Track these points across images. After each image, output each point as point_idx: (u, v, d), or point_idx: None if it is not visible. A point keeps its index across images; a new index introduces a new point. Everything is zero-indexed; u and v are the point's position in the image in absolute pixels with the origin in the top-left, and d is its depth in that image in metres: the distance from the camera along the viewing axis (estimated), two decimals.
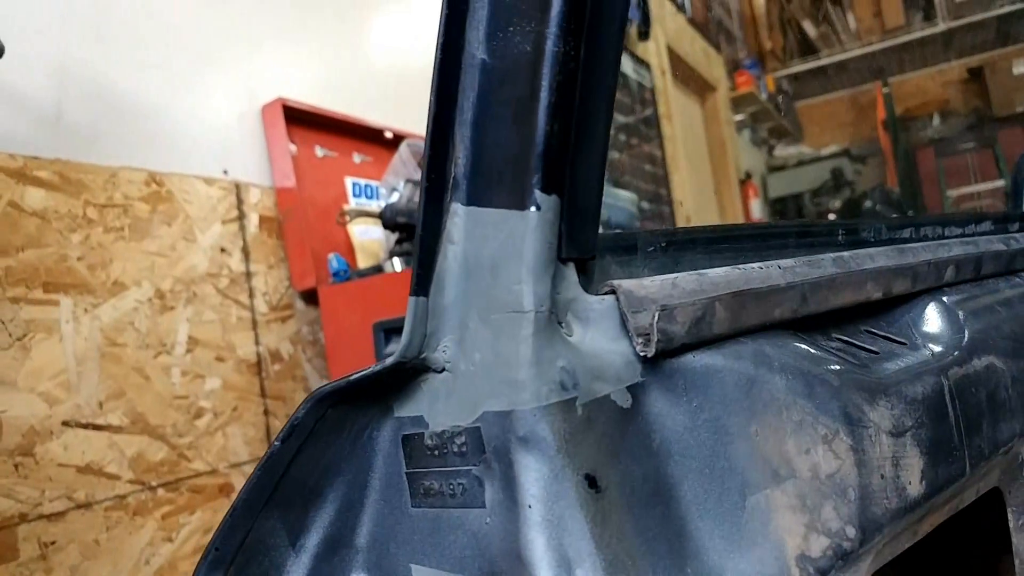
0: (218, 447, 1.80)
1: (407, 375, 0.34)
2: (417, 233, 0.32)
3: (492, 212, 0.30)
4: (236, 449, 1.84)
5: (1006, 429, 0.50)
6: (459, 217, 0.31)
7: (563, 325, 0.32)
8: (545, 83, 0.29)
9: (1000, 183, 6.00)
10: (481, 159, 0.31)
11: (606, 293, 0.33)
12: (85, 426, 1.53)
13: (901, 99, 6.83)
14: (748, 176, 6.24)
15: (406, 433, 0.35)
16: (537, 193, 0.29)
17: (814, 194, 6.73)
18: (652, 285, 0.33)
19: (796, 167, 7.00)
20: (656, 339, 0.32)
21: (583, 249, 0.32)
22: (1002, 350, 0.50)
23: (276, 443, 0.34)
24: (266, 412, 1.94)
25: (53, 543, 1.42)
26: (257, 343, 1.96)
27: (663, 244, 0.39)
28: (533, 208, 0.29)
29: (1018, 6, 5.95)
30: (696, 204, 4.89)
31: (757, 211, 6.22)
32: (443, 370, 0.33)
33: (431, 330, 0.33)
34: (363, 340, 1.90)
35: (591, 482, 0.30)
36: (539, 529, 0.29)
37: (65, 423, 1.49)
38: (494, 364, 0.31)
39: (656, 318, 0.32)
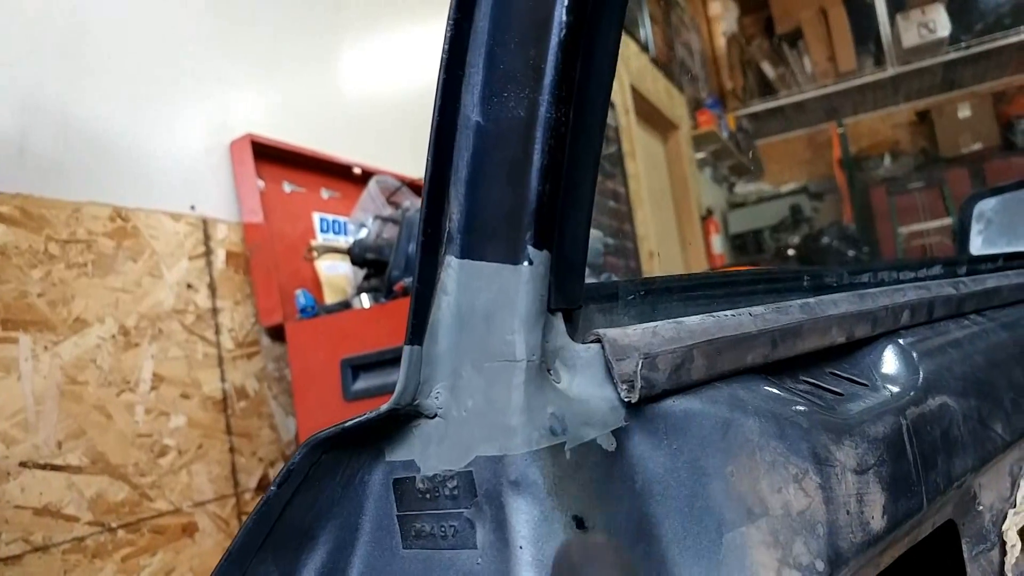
0: (182, 486, 1.76)
1: (399, 421, 0.35)
2: (413, 284, 0.33)
3: (485, 265, 0.32)
4: (201, 487, 1.81)
5: (959, 465, 0.53)
6: (453, 269, 0.33)
7: (552, 372, 0.33)
8: (538, 146, 0.31)
9: (948, 220, 6.21)
10: (475, 215, 0.32)
11: (592, 342, 0.35)
12: (43, 467, 1.49)
13: (855, 139, 7.07)
14: (709, 212, 6.37)
15: (397, 477, 0.36)
16: (530, 249, 0.31)
17: (774, 230, 6.89)
18: (635, 333, 0.35)
19: (756, 204, 7.17)
20: (640, 385, 0.34)
21: (570, 300, 0.34)
22: (954, 389, 0.53)
23: (272, 488, 0.35)
24: (232, 450, 1.92)
25: None
26: (223, 380, 1.94)
27: (641, 292, 0.41)
28: (526, 263, 0.31)
29: (962, 54, 6.23)
30: (659, 240, 4.96)
31: (718, 247, 6.34)
32: (435, 416, 0.35)
33: (424, 377, 0.34)
34: (330, 376, 1.89)
35: (579, 523, 0.32)
36: (530, 569, 0.30)
37: (23, 464, 1.46)
38: (487, 411, 0.32)
39: (640, 365, 0.34)
